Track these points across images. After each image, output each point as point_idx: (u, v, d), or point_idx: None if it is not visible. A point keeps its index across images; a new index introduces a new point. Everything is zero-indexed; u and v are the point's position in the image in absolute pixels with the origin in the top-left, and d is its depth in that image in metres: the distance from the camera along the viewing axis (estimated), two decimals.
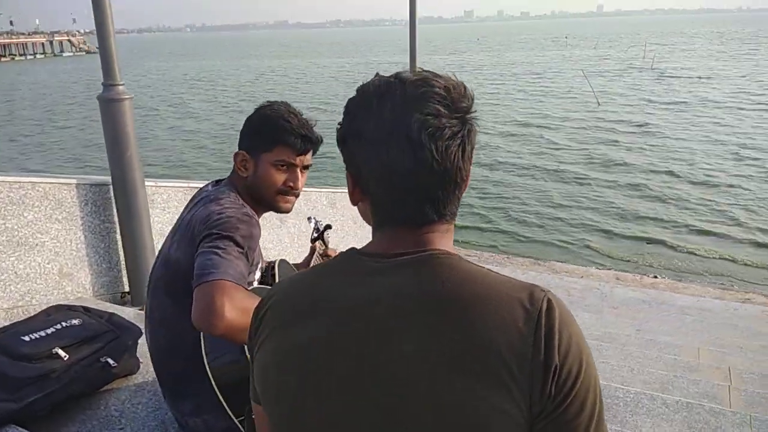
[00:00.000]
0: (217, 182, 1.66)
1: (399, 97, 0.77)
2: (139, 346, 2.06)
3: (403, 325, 0.73)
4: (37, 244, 2.86)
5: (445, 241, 0.81)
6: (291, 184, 1.61)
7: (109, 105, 2.96)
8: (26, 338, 1.83)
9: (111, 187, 3.07)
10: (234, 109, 22.59)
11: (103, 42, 2.90)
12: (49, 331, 1.90)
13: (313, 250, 1.92)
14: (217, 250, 1.32)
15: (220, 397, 1.30)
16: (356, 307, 0.76)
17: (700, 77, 25.41)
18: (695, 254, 7.49)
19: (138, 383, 2.01)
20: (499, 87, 25.35)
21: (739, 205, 9.20)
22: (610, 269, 6.83)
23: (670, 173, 11.20)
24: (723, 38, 58.67)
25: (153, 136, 17.56)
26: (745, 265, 7.15)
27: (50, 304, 2.17)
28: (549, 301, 0.72)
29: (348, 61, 50.15)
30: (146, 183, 3.16)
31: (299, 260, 1.97)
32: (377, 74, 0.84)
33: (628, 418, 2.24)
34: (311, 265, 1.79)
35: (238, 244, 1.36)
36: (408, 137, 0.75)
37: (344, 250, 0.86)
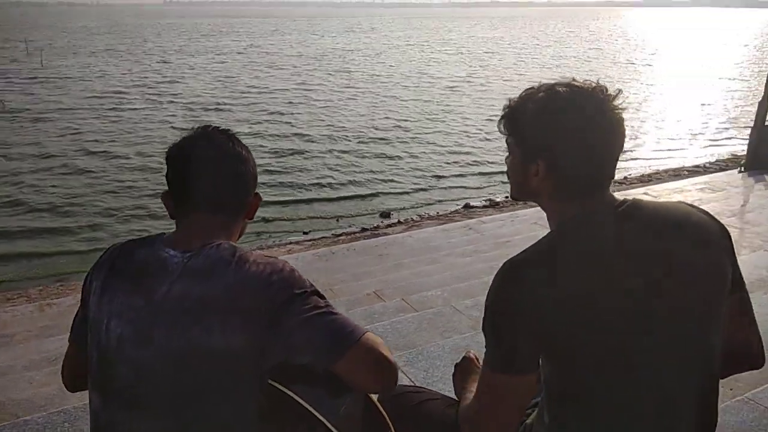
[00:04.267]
0: (159, 238, 1.24)
1: (597, 100, 1.09)
2: None
3: (679, 244, 1.10)
4: None
5: None
6: None
7: None
8: None
9: None
10: None
11: None
12: None
13: None
14: (322, 309, 1.17)
15: None
16: (646, 245, 1.09)
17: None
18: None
19: None
20: None
21: None
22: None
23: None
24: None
25: None
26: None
27: None
28: None
29: None
30: None
31: None
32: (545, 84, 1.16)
33: None
34: None
35: (322, 296, 1.21)
36: (612, 125, 1.10)
37: (572, 219, 1.12)
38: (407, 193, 10.25)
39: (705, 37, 58.26)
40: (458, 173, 11.61)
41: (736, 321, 1.20)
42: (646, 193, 7.72)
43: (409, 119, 16.69)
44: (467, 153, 13.10)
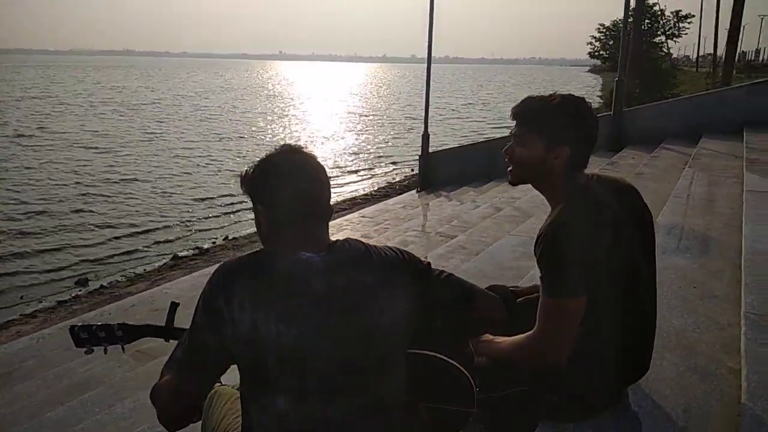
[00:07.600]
0: (284, 248, 1.36)
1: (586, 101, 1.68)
2: None
3: (634, 197, 1.75)
4: None
5: None
6: None
7: None
8: None
9: None
10: None
11: None
12: None
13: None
14: (446, 272, 1.52)
15: None
16: (625, 204, 1.67)
17: None
18: None
19: None
20: None
21: None
22: None
23: None
24: None
25: None
26: None
27: None
28: None
29: None
30: None
31: None
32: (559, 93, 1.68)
33: None
34: None
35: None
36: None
37: (580, 184, 1.65)
38: (101, 259, 8.81)
39: (329, 87, 66.94)
40: (148, 228, 10.72)
41: None
42: (363, 216, 8.36)
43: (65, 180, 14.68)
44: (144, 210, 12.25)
